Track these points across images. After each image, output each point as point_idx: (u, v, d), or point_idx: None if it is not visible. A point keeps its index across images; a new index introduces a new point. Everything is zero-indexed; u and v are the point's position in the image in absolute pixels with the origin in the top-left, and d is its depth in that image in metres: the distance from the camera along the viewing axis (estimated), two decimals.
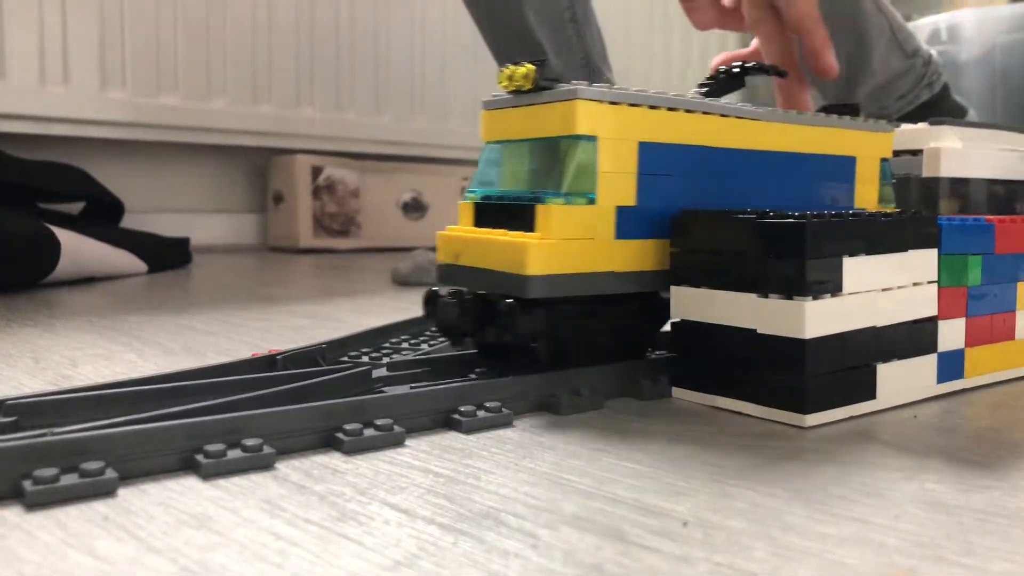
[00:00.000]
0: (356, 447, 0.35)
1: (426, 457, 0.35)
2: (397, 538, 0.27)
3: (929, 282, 0.45)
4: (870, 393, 0.42)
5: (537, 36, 0.97)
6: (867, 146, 0.55)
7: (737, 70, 0.54)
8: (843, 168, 0.54)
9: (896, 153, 0.59)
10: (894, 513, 0.29)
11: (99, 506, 0.29)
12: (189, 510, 0.29)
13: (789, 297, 0.40)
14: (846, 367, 0.41)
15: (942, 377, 0.46)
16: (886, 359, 0.43)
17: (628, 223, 0.44)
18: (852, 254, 0.41)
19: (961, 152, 0.59)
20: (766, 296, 0.41)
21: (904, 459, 0.35)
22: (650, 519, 0.28)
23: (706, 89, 0.53)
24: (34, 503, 0.29)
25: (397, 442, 0.36)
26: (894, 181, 0.60)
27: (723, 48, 2.12)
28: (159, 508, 0.29)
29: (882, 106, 0.91)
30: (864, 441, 0.38)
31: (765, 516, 0.29)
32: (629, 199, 0.44)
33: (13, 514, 0.28)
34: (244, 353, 0.49)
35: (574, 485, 0.31)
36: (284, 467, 0.33)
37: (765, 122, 0.50)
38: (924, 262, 0.45)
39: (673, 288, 0.45)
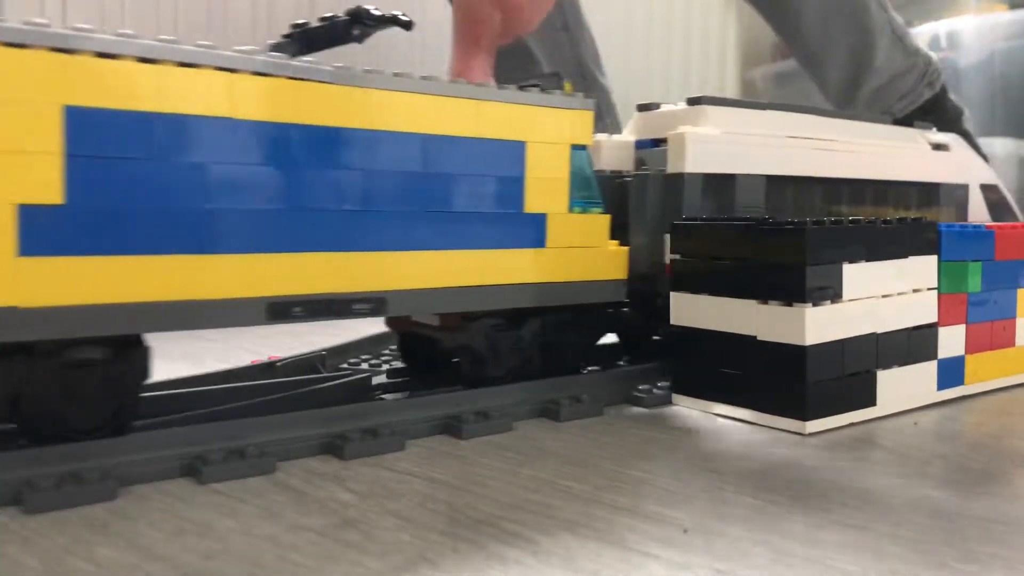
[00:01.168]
0: (356, 453, 0.35)
1: (426, 463, 0.34)
2: (397, 544, 0.27)
3: (929, 288, 0.45)
4: (870, 400, 0.42)
5: (529, 44, 0.97)
6: (544, 128, 0.42)
7: (348, 17, 0.43)
8: (499, 157, 0.40)
9: (656, 142, 0.48)
10: (895, 520, 0.29)
11: (99, 512, 0.29)
12: (189, 516, 0.29)
13: (789, 304, 0.40)
14: (846, 374, 0.41)
15: (942, 384, 0.46)
16: (886, 366, 0.43)
17: (48, 231, 0.30)
18: (852, 260, 0.41)
19: (720, 140, 0.47)
20: (766, 303, 0.41)
21: (904, 466, 0.35)
22: (650, 526, 0.28)
23: (280, 43, 0.40)
24: (34, 509, 0.29)
25: (397, 448, 0.36)
26: (627, 177, 0.48)
27: (722, 54, 2.12)
28: (159, 514, 0.29)
29: (886, 105, 0.91)
30: (864, 448, 0.38)
31: (765, 523, 0.29)
32: (48, 194, 0.30)
33: (14, 520, 0.28)
34: (244, 360, 0.49)
35: (574, 492, 0.31)
36: (284, 473, 0.33)
37: (338, 87, 0.35)
38: (924, 268, 0.45)
39: (673, 294, 0.45)
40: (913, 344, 0.44)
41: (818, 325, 0.39)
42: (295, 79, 0.34)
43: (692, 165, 0.46)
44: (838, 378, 0.41)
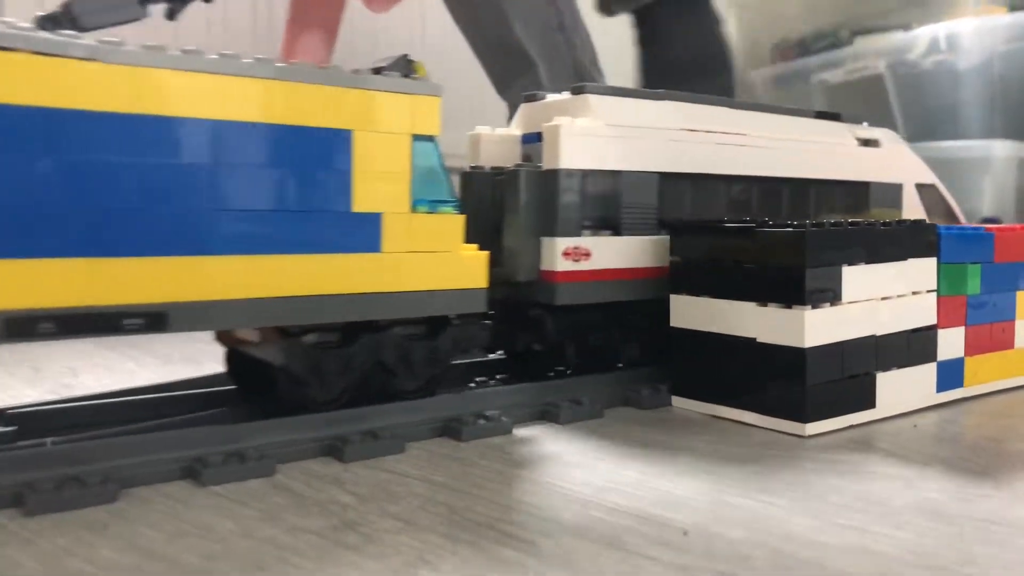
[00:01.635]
0: (356, 456, 0.35)
1: (426, 466, 0.35)
2: (397, 547, 0.27)
3: (928, 291, 0.45)
4: (870, 402, 0.42)
5: (525, 46, 0.97)
6: (377, 115, 0.36)
7: None
8: (317, 148, 0.35)
9: (540, 136, 0.44)
10: (894, 522, 0.29)
11: (100, 514, 0.29)
12: (189, 519, 0.29)
13: (788, 306, 0.40)
14: (846, 376, 0.41)
15: (942, 386, 0.46)
16: (886, 368, 0.43)
17: None
18: (851, 263, 0.41)
19: (602, 133, 0.44)
20: (765, 305, 0.41)
21: (904, 468, 0.35)
22: (650, 528, 0.28)
23: (50, 14, 0.35)
24: (35, 511, 0.29)
25: (397, 451, 0.36)
26: (508, 174, 0.43)
27: None
28: (159, 516, 0.29)
29: None
30: (864, 450, 0.38)
31: (765, 525, 0.29)
32: None
33: (13, 521, 0.28)
34: None
35: (574, 494, 0.31)
36: (284, 476, 0.33)
37: (96, 64, 0.30)
38: (924, 271, 0.45)
39: (672, 296, 0.45)
40: (913, 346, 0.44)
41: (817, 327, 0.39)
42: (38, 54, 0.29)
43: (568, 161, 0.43)
44: (838, 380, 0.41)
